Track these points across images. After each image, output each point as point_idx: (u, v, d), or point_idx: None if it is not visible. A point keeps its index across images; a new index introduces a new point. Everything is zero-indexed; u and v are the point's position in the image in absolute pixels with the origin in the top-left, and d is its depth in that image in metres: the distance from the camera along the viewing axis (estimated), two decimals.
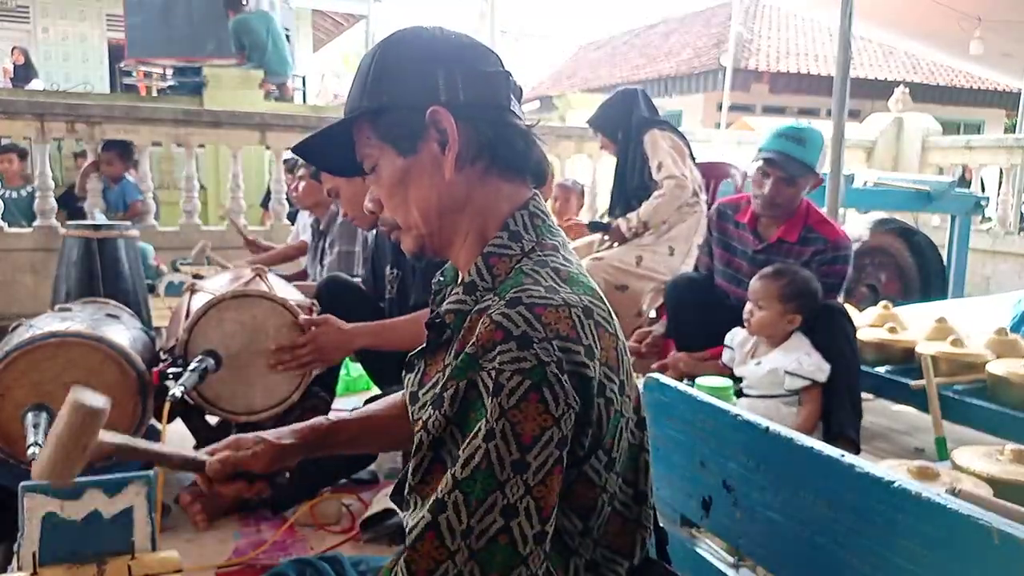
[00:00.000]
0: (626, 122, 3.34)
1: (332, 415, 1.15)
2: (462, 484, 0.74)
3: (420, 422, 0.80)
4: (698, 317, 2.68)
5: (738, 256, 2.66)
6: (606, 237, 3.39)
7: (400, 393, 1.19)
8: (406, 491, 0.81)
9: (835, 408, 2.28)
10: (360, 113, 0.90)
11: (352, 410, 1.22)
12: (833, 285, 2.47)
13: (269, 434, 1.07)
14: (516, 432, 0.73)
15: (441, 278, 1.02)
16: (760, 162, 2.50)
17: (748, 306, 2.36)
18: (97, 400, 0.89)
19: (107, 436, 0.92)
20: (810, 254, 2.47)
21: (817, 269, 2.45)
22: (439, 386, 0.80)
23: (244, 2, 7.77)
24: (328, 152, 0.98)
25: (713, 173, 3.83)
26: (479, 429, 0.74)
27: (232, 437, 1.06)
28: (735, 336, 2.48)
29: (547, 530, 0.76)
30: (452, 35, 0.91)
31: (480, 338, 0.77)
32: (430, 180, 0.89)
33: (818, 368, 2.25)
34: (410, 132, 0.88)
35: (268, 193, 5.89)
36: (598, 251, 3.37)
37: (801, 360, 2.25)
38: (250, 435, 1.06)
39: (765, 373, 2.30)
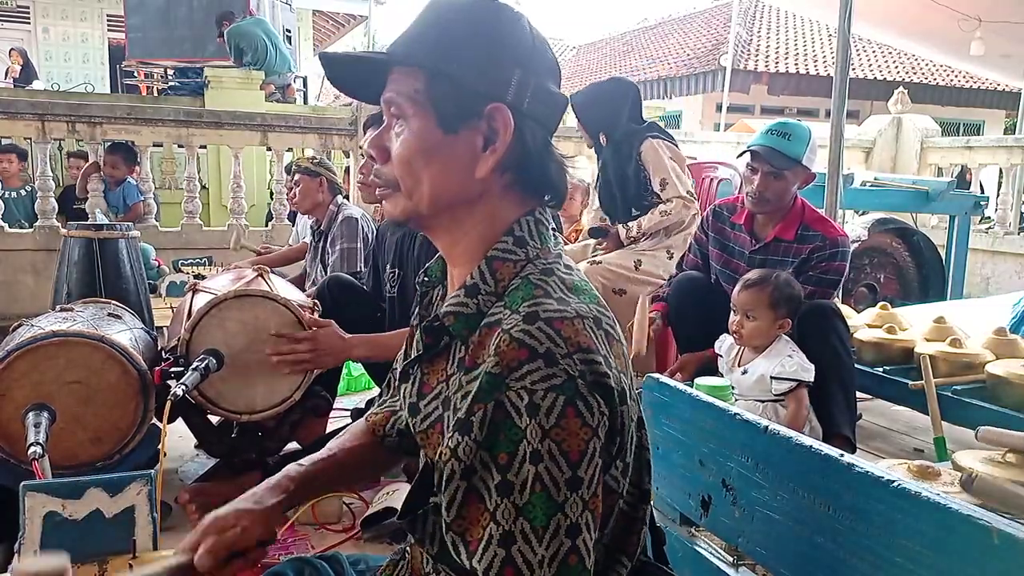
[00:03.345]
0: (610, 124, 3.26)
1: (305, 459, 1.08)
2: (524, 511, 0.73)
3: (449, 451, 0.77)
4: (700, 317, 2.68)
5: (735, 256, 2.66)
6: (602, 243, 3.40)
7: (359, 422, 1.17)
8: (443, 530, 0.78)
9: (831, 407, 2.28)
10: (423, 65, 0.84)
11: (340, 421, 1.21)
12: (831, 282, 2.46)
13: (246, 503, 0.98)
14: (563, 450, 0.73)
15: (426, 278, 0.99)
16: (748, 157, 2.52)
17: (735, 317, 2.35)
18: (49, 563, 0.81)
19: None
20: (807, 252, 2.47)
21: (815, 267, 2.45)
22: (463, 410, 0.77)
23: (235, 13, 7.79)
24: (353, 70, 0.91)
25: (700, 172, 3.83)
26: (522, 452, 0.73)
27: (206, 521, 0.95)
28: (723, 343, 2.47)
29: (596, 535, 0.76)
30: (540, 38, 0.88)
31: (503, 357, 0.75)
32: (455, 166, 0.85)
33: (801, 368, 2.23)
34: (462, 113, 0.84)
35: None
36: (593, 255, 3.37)
37: (784, 363, 2.24)
38: (227, 511, 0.96)
39: (753, 382, 2.28)
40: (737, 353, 2.40)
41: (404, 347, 1.02)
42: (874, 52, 14.24)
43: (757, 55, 13.35)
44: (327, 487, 1.13)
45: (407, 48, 0.86)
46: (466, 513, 0.76)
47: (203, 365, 1.89)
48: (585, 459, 0.74)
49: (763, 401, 2.28)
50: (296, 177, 3.38)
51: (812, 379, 2.24)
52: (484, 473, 0.75)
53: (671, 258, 3.23)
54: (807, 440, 1.14)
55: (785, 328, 2.30)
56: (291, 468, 1.05)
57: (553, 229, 0.91)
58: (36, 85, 9.03)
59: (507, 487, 0.73)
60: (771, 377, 2.24)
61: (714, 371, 2.49)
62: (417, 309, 1.01)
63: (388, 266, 2.44)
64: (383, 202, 0.91)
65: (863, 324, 3.04)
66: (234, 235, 4.37)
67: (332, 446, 1.13)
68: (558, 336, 0.75)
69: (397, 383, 0.94)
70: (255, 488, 1.02)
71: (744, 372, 2.32)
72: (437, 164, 0.85)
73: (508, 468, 0.73)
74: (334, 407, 2.44)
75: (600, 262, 3.20)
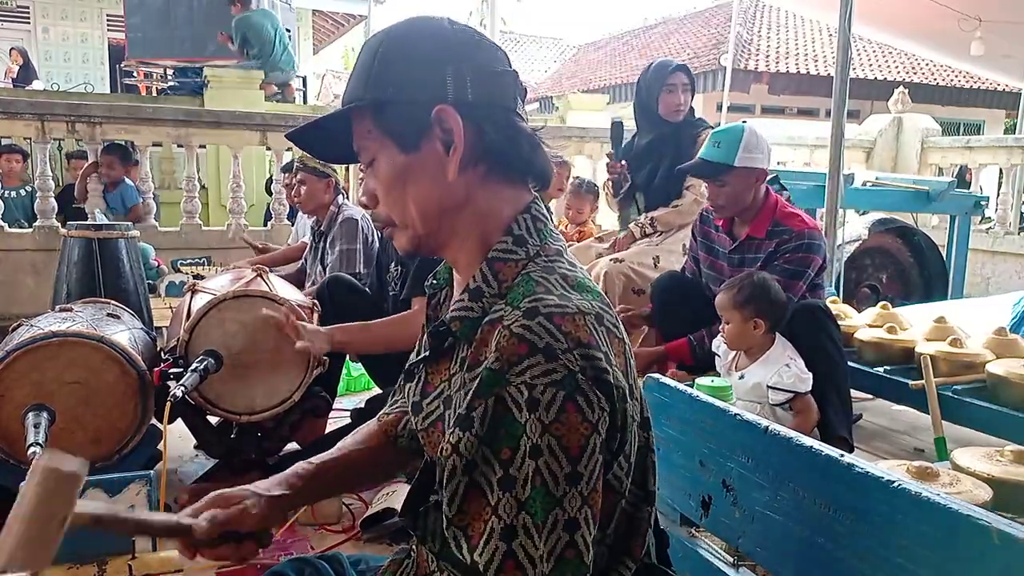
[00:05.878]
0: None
1: (315, 458, 1.07)
2: (525, 505, 0.73)
3: (450, 447, 0.77)
4: (686, 314, 2.69)
5: (720, 258, 2.71)
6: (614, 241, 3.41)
7: (370, 423, 1.15)
8: (444, 525, 0.78)
9: (826, 410, 2.28)
10: (362, 104, 0.87)
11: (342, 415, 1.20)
12: (796, 273, 2.43)
13: (258, 487, 0.98)
14: (563, 445, 0.73)
15: (434, 281, 1.01)
16: None
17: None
18: (71, 463, 0.75)
19: (84, 506, 0.78)
20: (775, 246, 2.49)
21: (780, 257, 2.46)
22: (464, 405, 0.77)
23: None
24: (325, 141, 0.95)
25: None
26: (523, 447, 0.73)
27: (214, 494, 0.95)
28: (720, 344, 2.47)
29: (595, 531, 0.76)
30: (461, 30, 0.89)
31: (503, 352, 0.75)
32: (431, 179, 0.86)
33: (798, 379, 2.21)
34: (413, 129, 0.85)
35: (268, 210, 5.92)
36: (608, 251, 3.37)
37: (781, 373, 2.22)
38: (236, 490, 0.97)
39: (750, 388, 2.27)
40: (734, 357, 2.39)
41: (416, 345, 1.02)
42: (874, 52, 14.22)
43: (757, 55, 13.34)
44: (337, 486, 1.11)
45: (349, 96, 0.89)
46: (467, 508, 0.76)
47: (202, 366, 1.89)
48: (585, 454, 0.74)
49: (760, 403, 2.27)
50: (301, 176, 3.34)
51: (809, 389, 2.23)
52: (485, 468, 0.75)
53: (685, 253, 3.25)
54: (807, 440, 1.14)
55: (760, 328, 2.27)
56: (301, 465, 1.05)
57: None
58: (36, 85, 9.02)
59: (509, 482, 0.74)
60: (767, 386, 2.23)
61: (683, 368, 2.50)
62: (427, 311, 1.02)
63: (392, 265, 2.44)
64: (392, 240, 0.94)
65: (863, 324, 3.04)
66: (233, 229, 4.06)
67: (343, 445, 1.11)
68: (558, 331, 0.75)
69: (402, 382, 0.94)
70: (266, 479, 1.01)
71: (741, 377, 2.32)
72: (412, 184, 0.87)
73: (510, 463, 0.74)
74: (334, 407, 2.44)
75: (622, 260, 3.19)
